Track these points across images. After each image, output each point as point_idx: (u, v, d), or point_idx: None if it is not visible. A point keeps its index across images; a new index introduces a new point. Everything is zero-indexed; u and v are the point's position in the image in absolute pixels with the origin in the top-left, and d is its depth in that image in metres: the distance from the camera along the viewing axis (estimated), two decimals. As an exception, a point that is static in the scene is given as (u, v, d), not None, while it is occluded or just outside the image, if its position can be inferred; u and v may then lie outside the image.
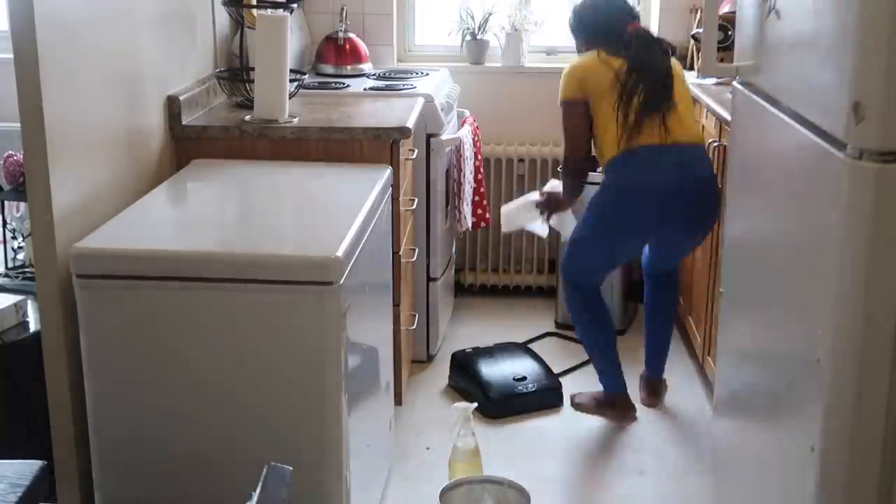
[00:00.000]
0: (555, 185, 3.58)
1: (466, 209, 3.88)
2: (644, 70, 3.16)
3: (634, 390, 3.46)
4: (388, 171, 2.84)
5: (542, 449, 3.23)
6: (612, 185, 3.23)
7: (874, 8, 1.55)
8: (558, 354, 3.85)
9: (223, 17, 3.48)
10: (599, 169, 3.35)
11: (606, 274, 3.46)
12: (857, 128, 1.59)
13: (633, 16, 3.33)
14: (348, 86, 3.86)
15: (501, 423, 3.35)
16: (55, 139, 2.21)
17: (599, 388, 3.41)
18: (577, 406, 3.45)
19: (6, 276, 2.77)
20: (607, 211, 3.24)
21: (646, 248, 3.47)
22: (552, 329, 4.15)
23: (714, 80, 3.68)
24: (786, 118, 1.94)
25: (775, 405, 2.02)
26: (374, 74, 4.11)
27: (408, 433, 3.28)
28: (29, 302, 2.50)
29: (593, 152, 3.34)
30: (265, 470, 1.55)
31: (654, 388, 3.51)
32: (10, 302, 2.44)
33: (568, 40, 4.55)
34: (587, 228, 3.30)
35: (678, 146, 3.17)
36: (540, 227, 3.68)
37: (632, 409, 3.36)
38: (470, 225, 3.92)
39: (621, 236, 3.28)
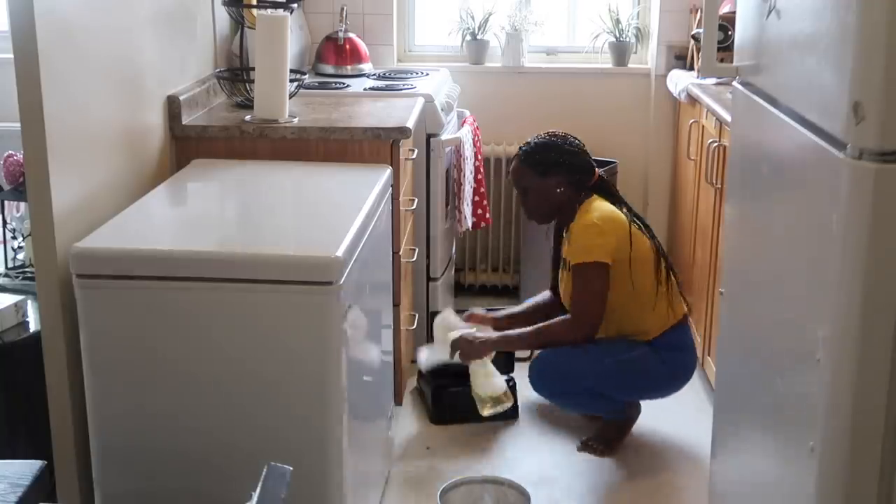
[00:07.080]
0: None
1: (466, 209, 3.87)
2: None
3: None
4: (388, 171, 2.84)
5: (541, 448, 3.23)
6: (666, 367, 3.15)
7: (874, 8, 1.55)
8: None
9: (223, 17, 3.48)
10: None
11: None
12: (857, 128, 1.58)
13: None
14: (348, 86, 3.86)
15: (501, 423, 3.34)
16: (55, 139, 2.21)
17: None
18: (603, 453, 3.19)
19: (6, 276, 2.77)
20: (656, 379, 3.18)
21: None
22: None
23: (714, 80, 3.68)
24: (786, 118, 1.94)
25: (775, 405, 2.02)
26: (374, 74, 4.11)
27: (408, 433, 3.28)
28: (29, 302, 2.49)
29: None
30: (265, 470, 1.55)
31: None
32: (10, 302, 2.44)
33: (568, 40, 4.58)
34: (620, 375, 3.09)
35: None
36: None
37: (635, 407, 3.27)
38: (470, 225, 3.92)
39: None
